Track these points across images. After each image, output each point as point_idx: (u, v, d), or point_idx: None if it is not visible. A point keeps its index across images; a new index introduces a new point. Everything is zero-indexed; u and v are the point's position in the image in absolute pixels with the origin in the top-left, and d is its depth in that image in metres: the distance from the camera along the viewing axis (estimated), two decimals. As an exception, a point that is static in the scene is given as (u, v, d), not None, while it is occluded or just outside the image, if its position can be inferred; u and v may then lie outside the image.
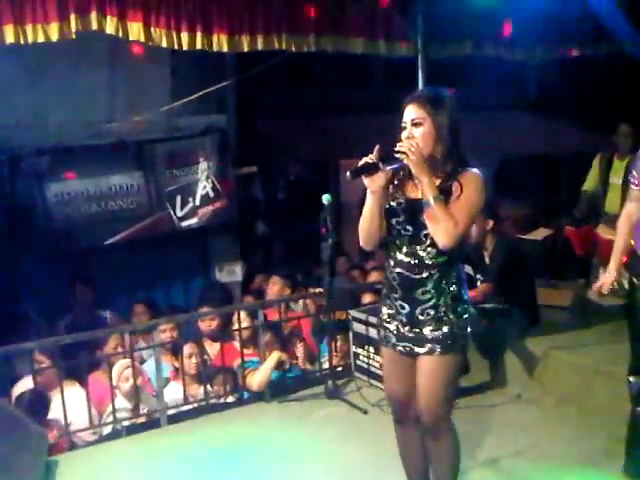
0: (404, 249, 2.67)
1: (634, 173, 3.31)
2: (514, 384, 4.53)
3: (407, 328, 2.69)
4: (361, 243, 2.80)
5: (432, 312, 2.65)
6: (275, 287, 5.97)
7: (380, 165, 2.57)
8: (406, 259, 2.66)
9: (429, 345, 2.64)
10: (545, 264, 6.24)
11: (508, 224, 6.99)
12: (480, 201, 2.62)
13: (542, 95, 10.02)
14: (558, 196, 9.20)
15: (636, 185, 3.31)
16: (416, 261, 2.64)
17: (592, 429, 3.88)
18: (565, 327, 4.89)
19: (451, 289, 2.65)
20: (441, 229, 2.54)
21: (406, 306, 2.69)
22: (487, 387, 4.52)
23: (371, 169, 2.59)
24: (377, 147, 2.58)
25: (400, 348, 2.73)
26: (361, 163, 2.59)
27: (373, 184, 2.61)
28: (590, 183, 5.91)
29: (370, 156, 2.58)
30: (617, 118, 5.80)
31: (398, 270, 2.68)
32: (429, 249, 2.62)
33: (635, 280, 3.30)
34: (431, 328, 2.64)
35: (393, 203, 2.69)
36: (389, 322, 2.76)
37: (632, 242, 3.39)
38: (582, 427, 3.94)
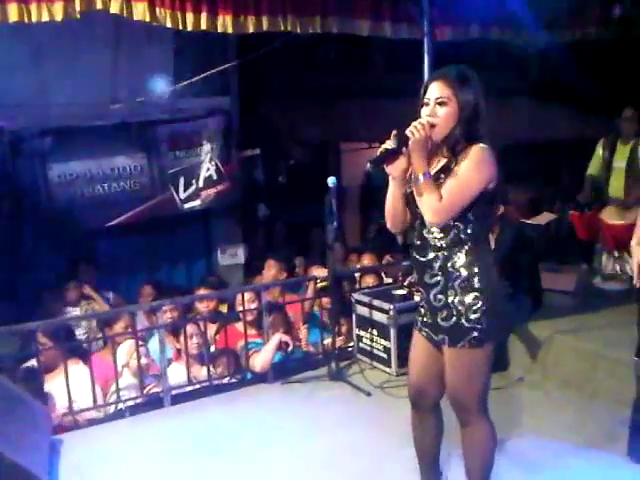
0: (417, 233, 2.66)
1: None
2: (517, 367, 4.55)
3: (428, 314, 2.70)
4: (388, 225, 2.79)
5: (442, 298, 2.60)
6: (271, 271, 5.96)
7: (402, 150, 2.54)
8: (417, 242, 2.66)
9: (441, 335, 2.63)
10: (549, 249, 6.24)
11: (512, 209, 6.98)
12: (475, 175, 2.48)
13: (545, 80, 9.97)
14: (562, 181, 9.19)
15: None
16: (424, 243, 2.62)
17: (595, 412, 3.91)
18: (568, 311, 4.90)
19: (460, 273, 2.56)
20: (426, 205, 2.50)
21: (422, 292, 2.69)
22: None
23: (391, 155, 2.56)
24: (394, 132, 2.54)
25: (424, 333, 2.75)
26: (380, 151, 2.56)
27: (395, 170, 2.59)
28: (593, 168, 5.90)
29: (388, 142, 2.55)
30: (621, 102, 5.78)
31: (414, 254, 2.68)
32: (432, 229, 2.59)
33: None
34: (443, 316, 2.61)
35: (409, 189, 2.66)
36: (421, 307, 2.76)
37: None
38: (585, 410, 3.97)
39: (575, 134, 8.89)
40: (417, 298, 2.85)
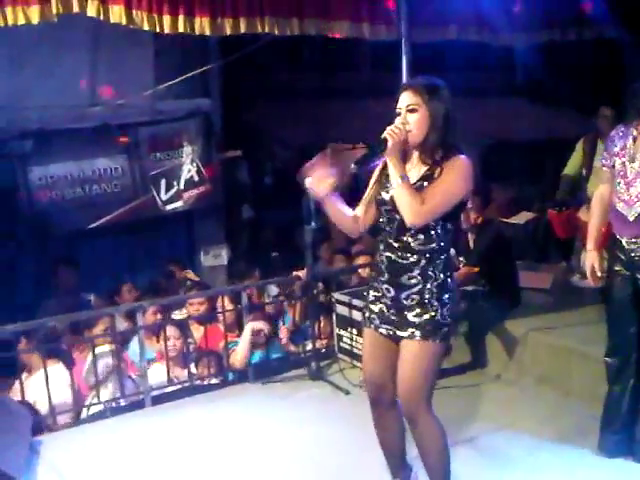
0: (393, 236, 2.69)
1: (605, 154, 3.36)
2: (494, 365, 4.59)
3: (392, 311, 2.71)
4: (349, 230, 2.86)
5: (417, 297, 2.65)
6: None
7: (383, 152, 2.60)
8: (395, 244, 2.68)
9: (410, 329, 2.65)
10: (527, 247, 6.30)
11: (492, 208, 7.04)
12: (459, 185, 2.61)
13: (528, 80, 10.05)
14: (542, 180, 9.26)
15: (607, 166, 3.34)
16: (404, 247, 2.66)
17: (569, 408, 3.97)
18: (545, 309, 4.94)
19: (438, 276, 2.65)
20: (407, 206, 2.56)
21: (392, 290, 2.70)
22: (467, 368, 4.57)
23: (374, 157, 2.63)
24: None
25: (382, 330, 2.76)
26: (364, 153, 2.62)
27: (319, 188, 2.69)
28: (571, 167, 5.94)
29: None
30: (601, 102, 5.84)
31: (387, 254, 2.70)
32: (417, 235, 2.63)
33: (612, 263, 3.34)
34: (414, 313, 2.65)
35: (383, 192, 2.71)
36: (374, 304, 2.78)
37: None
38: (559, 406, 4.02)
39: (557, 133, 8.96)
40: (371, 292, 2.84)
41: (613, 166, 3.27)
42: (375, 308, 2.78)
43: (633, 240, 3.18)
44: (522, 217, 6.35)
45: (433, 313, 2.64)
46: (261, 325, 4.72)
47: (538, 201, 7.50)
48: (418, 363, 2.66)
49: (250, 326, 4.65)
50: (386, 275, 2.71)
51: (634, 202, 3.15)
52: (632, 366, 3.30)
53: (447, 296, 2.68)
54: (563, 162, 6.11)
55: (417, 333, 2.65)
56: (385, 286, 2.72)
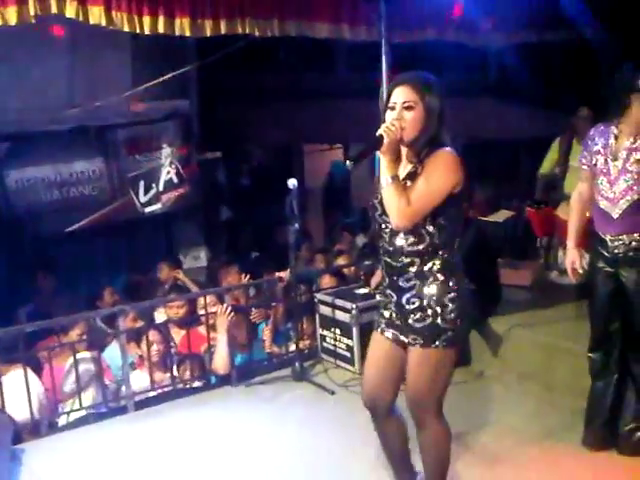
0: (387, 239, 2.66)
1: (584, 153, 3.40)
2: (477, 362, 4.62)
3: (397, 316, 2.69)
4: None
5: (417, 301, 2.61)
6: (229, 278, 5.95)
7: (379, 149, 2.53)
8: (390, 248, 2.65)
9: (412, 336, 2.63)
10: (506, 245, 6.36)
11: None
12: (442, 179, 2.50)
13: (502, 79, 10.16)
14: (519, 178, 9.36)
15: (586, 165, 3.39)
16: (397, 249, 2.62)
17: (553, 404, 4.01)
18: (526, 306, 5.00)
19: (437, 277, 2.59)
20: (393, 208, 2.50)
21: (393, 294, 2.68)
22: (451, 366, 4.59)
23: (370, 153, 2.58)
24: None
25: (388, 334, 2.74)
26: (361, 149, 2.57)
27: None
28: (546, 167, 6.03)
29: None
30: (576, 102, 5.92)
31: (385, 259, 2.68)
32: (408, 236, 2.59)
33: (594, 260, 3.38)
34: (416, 318, 2.61)
35: (372, 197, 2.69)
36: (384, 309, 2.76)
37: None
38: (543, 402, 4.06)
39: (533, 132, 9.06)
40: (378, 298, 2.84)
41: (595, 164, 3.31)
42: (385, 313, 2.76)
43: (617, 237, 3.22)
44: (501, 215, 6.41)
45: (433, 318, 2.59)
46: (227, 316, 4.57)
47: (516, 199, 7.58)
48: (421, 370, 2.64)
49: (222, 329, 4.56)
50: (387, 280, 2.71)
51: (618, 200, 3.20)
52: (615, 361, 3.35)
53: (449, 298, 2.59)
54: (539, 160, 6.20)
55: (418, 340, 2.62)
56: (388, 291, 2.71)
